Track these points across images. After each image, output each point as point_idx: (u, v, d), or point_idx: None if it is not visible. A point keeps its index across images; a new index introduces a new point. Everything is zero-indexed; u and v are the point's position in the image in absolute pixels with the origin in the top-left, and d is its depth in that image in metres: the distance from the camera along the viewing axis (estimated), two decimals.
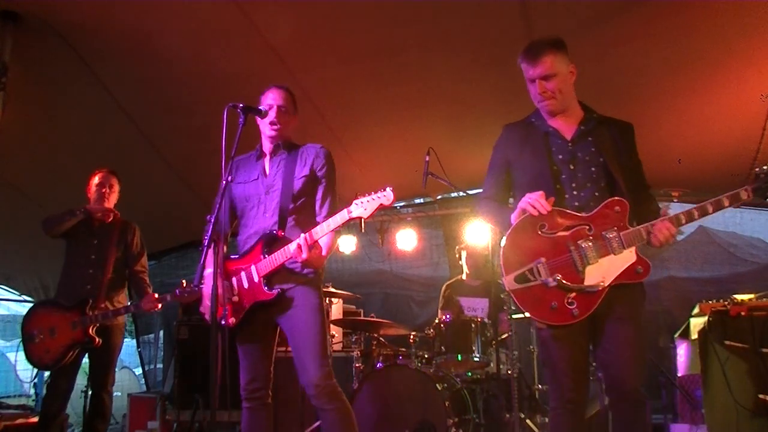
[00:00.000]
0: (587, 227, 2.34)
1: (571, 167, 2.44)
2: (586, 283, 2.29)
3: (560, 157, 2.46)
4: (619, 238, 2.30)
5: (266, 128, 2.89)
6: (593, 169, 2.43)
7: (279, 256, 2.71)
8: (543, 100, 2.45)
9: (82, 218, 4.03)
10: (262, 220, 2.84)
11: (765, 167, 2.24)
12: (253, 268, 2.78)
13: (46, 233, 4.08)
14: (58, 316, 3.88)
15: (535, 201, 2.34)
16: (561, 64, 2.42)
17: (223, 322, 2.70)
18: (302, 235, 2.64)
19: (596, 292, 2.29)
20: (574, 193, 2.42)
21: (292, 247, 2.66)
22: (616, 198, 2.35)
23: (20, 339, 4.04)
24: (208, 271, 2.66)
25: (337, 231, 2.73)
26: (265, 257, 2.75)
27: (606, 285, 2.28)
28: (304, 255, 2.60)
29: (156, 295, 3.93)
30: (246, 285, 2.80)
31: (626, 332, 2.32)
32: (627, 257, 2.30)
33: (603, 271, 2.29)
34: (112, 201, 4.18)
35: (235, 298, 2.80)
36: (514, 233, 2.41)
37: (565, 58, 2.44)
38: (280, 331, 2.91)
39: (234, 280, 2.83)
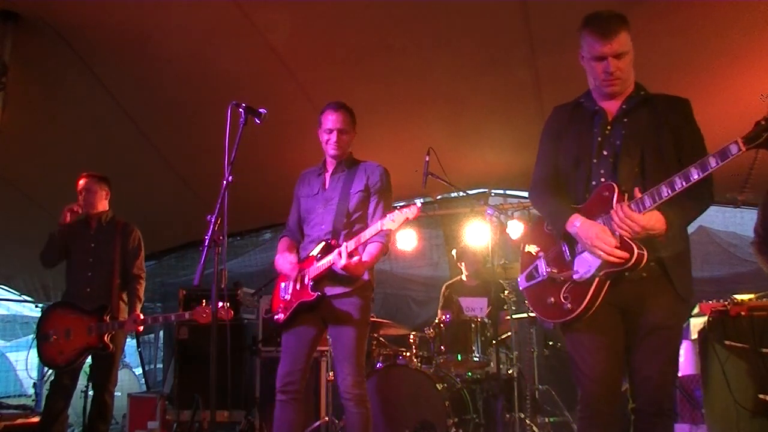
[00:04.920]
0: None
1: (605, 153, 2.27)
2: (575, 273, 2.21)
3: (599, 140, 2.29)
4: (601, 223, 2.15)
5: (329, 149, 3.20)
6: (623, 154, 2.24)
7: (326, 262, 3.00)
8: (610, 80, 2.21)
9: (60, 237, 4.06)
10: (318, 230, 3.15)
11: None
12: (306, 271, 3.09)
13: (47, 266, 4.14)
14: (74, 318, 3.89)
15: None
16: (630, 42, 2.20)
17: (275, 317, 3.16)
18: (343, 243, 2.92)
19: (584, 282, 2.18)
20: (602, 180, 2.25)
21: (335, 254, 2.93)
22: (605, 183, 2.20)
23: (33, 337, 4.05)
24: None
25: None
26: (316, 263, 3.05)
27: (592, 272, 2.15)
28: (343, 261, 2.87)
29: (141, 316, 3.89)
30: (298, 287, 3.11)
31: (654, 344, 2.17)
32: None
33: (591, 260, 2.18)
34: (98, 204, 4.15)
35: (288, 297, 3.12)
36: (529, 234, 2.49)
37: (630, 36, 2.21)
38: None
39: (291, 281, 3.16)
